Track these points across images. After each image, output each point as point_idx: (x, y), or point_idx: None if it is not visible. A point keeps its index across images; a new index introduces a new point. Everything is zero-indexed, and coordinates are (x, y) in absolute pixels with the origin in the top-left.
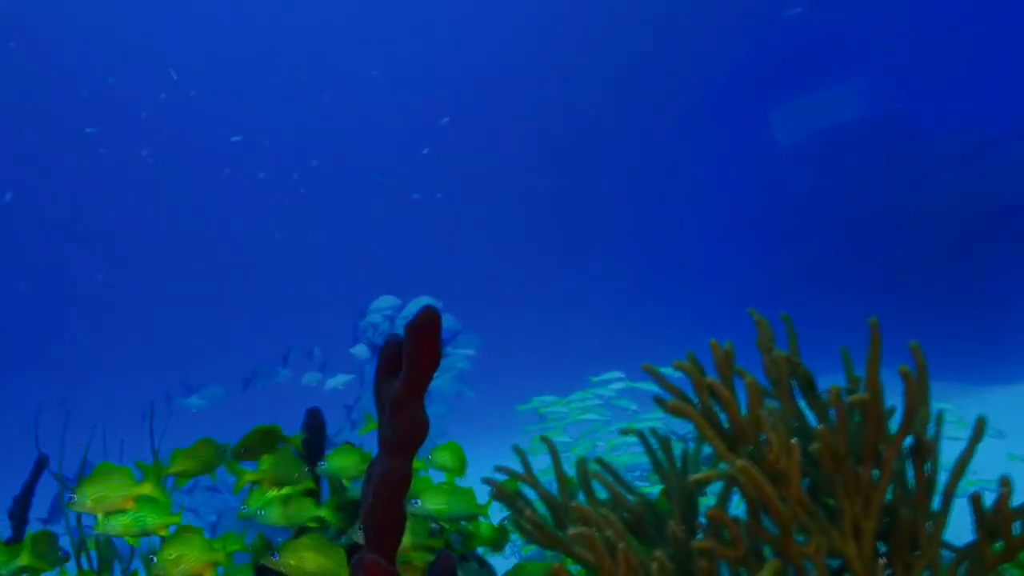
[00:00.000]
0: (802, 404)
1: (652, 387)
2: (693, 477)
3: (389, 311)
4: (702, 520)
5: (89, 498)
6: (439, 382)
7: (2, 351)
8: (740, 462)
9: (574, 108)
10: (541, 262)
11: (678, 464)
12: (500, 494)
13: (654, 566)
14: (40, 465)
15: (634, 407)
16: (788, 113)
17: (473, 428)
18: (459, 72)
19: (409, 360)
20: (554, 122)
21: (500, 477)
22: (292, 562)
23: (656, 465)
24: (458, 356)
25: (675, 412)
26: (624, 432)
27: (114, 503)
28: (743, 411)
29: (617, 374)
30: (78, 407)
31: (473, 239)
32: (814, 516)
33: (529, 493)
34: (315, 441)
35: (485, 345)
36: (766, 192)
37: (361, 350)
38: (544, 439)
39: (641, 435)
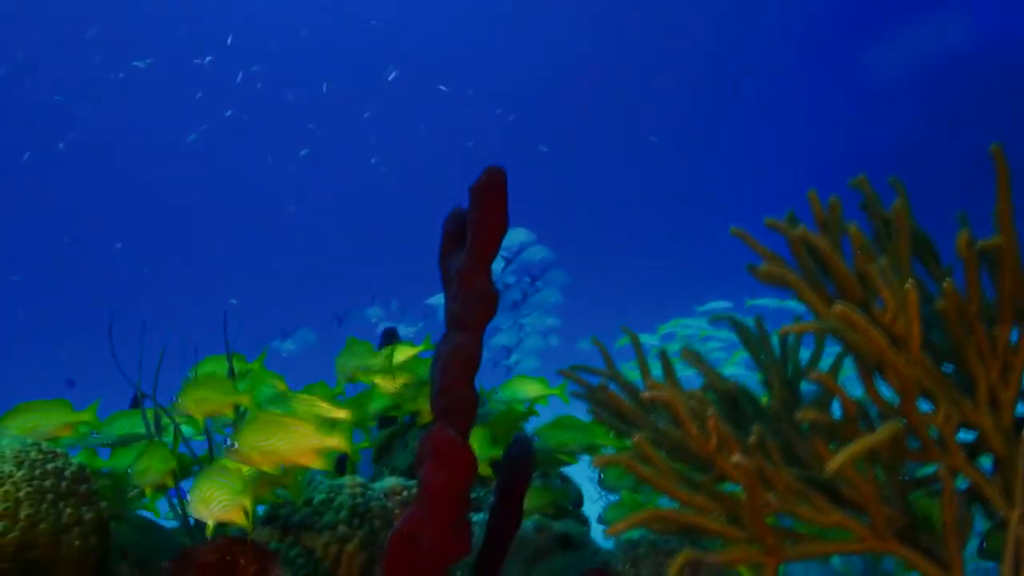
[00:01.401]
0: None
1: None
2: (787, 328)
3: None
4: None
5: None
6: (530, 320)
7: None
8: (840, 306)
9: (660, 49)
10: (615, 199)
11: (777, 353)
12: (571, 376)
13: (752, 440)
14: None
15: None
16: (886, 48)
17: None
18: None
19: (473, 227)
20: (638, 66)
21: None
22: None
23: (753, 354)
24: (550, 291)
25: (768, 276)
26: (714, 318)
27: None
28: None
29: (723, 304)
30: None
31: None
32: (941, 383)
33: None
34: None
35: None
36: (861, 133)
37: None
38: (625, 329)
39: (735, 321)
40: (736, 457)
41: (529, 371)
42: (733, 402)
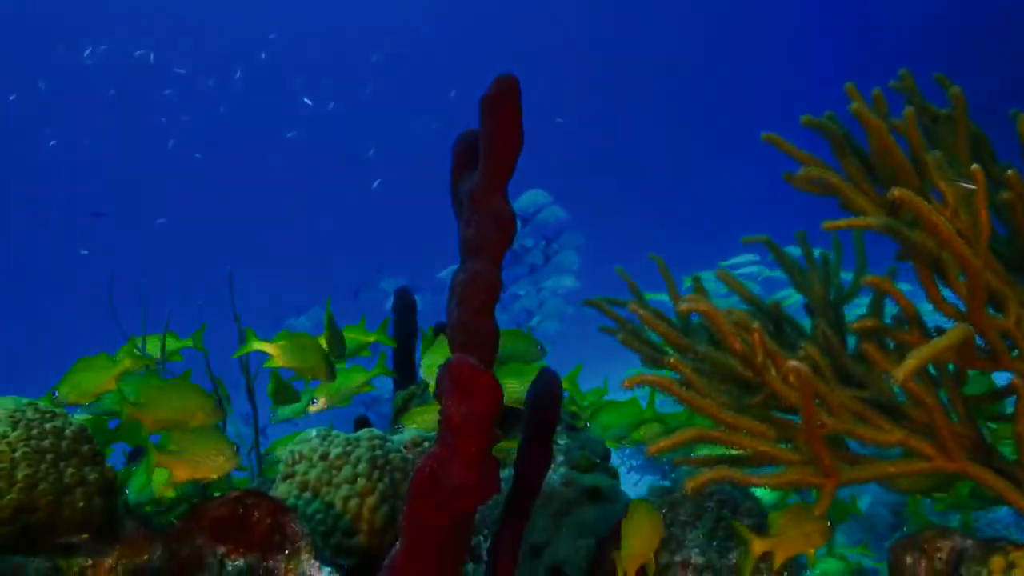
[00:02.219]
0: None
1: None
2: (834, 223)
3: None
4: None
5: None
6: (550, 282)
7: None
8: (900, 190)
9: None
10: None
11: (819, 273)
12: (598, 306)
13: (801, 355)
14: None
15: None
16: None
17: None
18: None
19: (486, 142)
20: None
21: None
22: None
23: (793, 277)
24: (567, 253)
25: (808, 181)
26: (747, 240)
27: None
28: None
29: (751, 257)
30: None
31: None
32: (1010, 284)
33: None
34: (404, 321)
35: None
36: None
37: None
38: (654, 257)
39: (772, 244)
40: (790, 363)
41: (550, 334)
42: (776, 324)
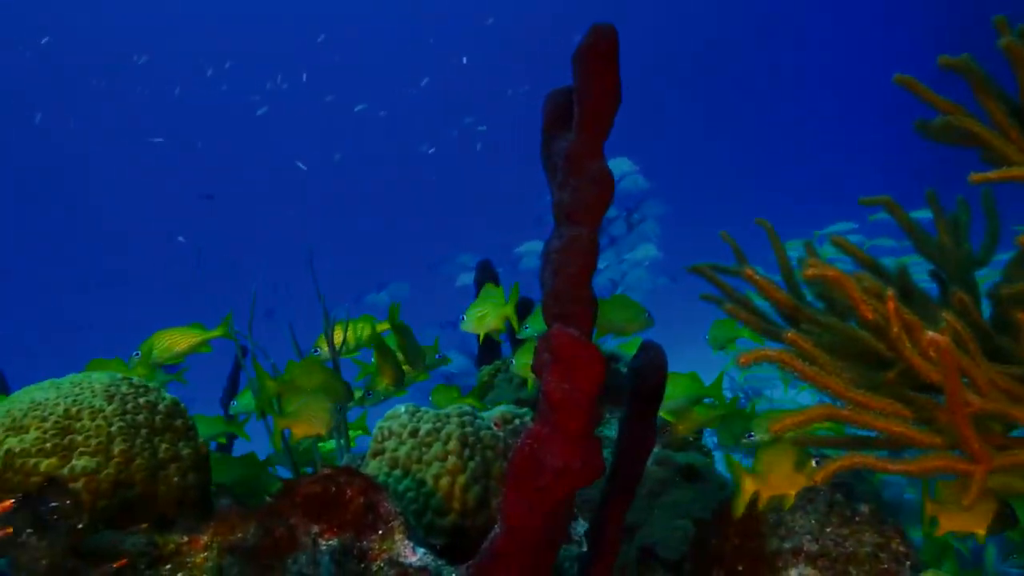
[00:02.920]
0: None
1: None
2: (980, 176)
3: None
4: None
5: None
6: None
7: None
8: None
9: None
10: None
11: (951, 236)
12: (702, 272)
13: (943, 327)
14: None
15: None
16: None
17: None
18: None
19: (580, 99)
20: None
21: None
22: None
23: (917, 241)
24: (649, 222)
25: (947, 130)
26: (866, 202)
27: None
28: None
29: (850, 225)
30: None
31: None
32: None
33: None
34: None
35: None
36: None
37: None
38: (761, 222)
39: (894, 204)
40: (929, 335)
41: None
42: (904, 293)
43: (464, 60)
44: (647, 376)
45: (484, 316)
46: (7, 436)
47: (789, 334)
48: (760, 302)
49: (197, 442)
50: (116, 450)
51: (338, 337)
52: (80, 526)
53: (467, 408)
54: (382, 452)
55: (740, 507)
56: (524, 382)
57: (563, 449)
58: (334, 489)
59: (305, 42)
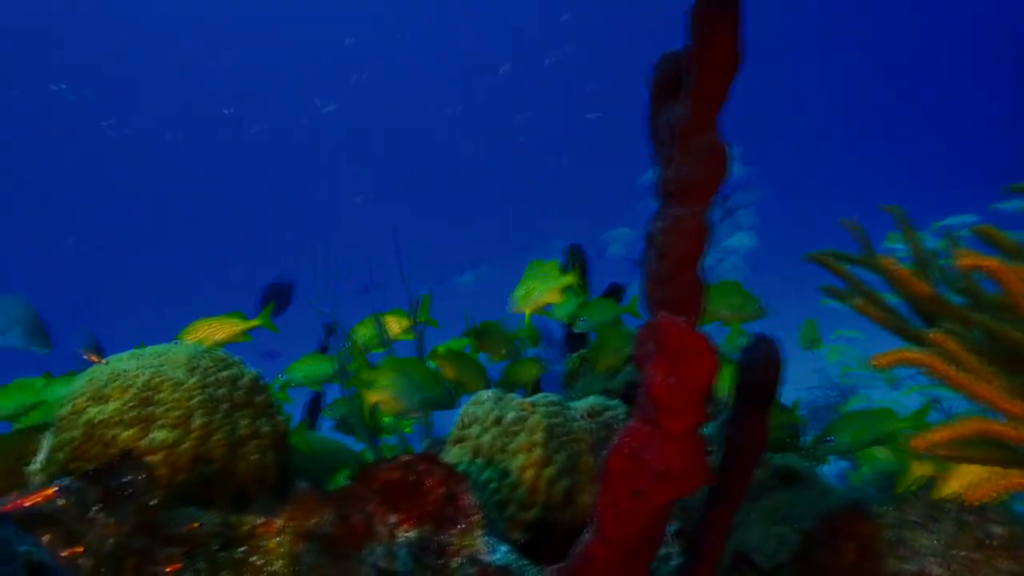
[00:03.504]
0: None
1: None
2: None
3: None
4: None
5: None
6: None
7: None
8: None
9: None
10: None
11: None
12: (823, 261)
13: None
14: (329, 331)
15: None
16: None
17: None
18: None
19: (695, 63)
20: None
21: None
22: None
23: None
24: (745, 210)
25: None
26: (1018, 188)
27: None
28: None
29: (969, 218)
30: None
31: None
32: None
33: None
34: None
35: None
36: None
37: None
38: (889, 208)
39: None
40: None
41: None
42: None
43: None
44: (760, 372)
45: (530, 292)
46: (88, 405)
47: (934, 334)
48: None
49: (277, 420)
50: (195, 424)
51: (368, 331)
52: (153, 503)
53: (555, 398)
54: (465, 439)
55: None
56: (614, 371)
57: (666, 451)
58: (414, 477)
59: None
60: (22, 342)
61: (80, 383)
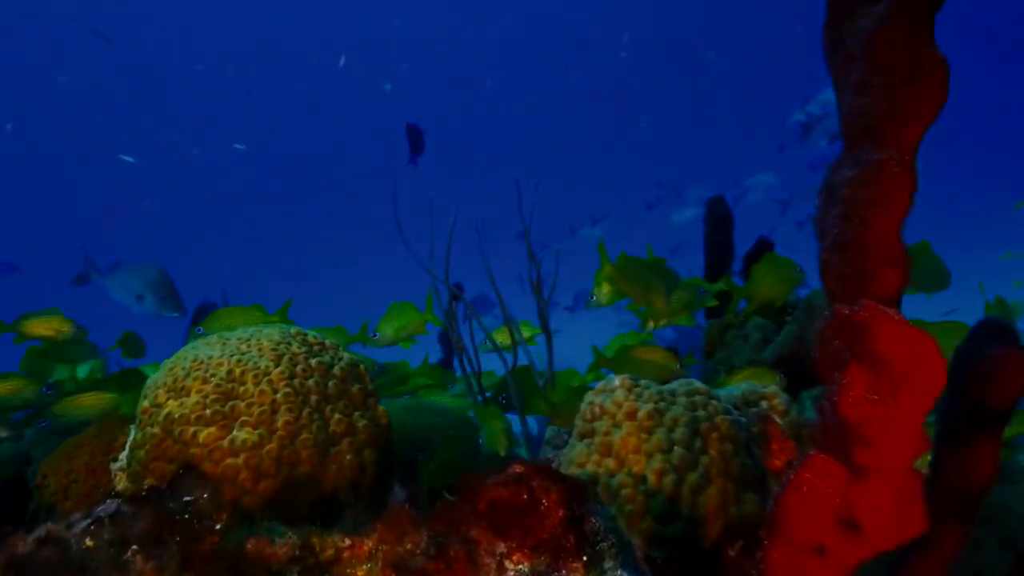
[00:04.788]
0: None
1: None
2: None
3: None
4: None
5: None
6: None
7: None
8: None
9: None
10: None
11: None
12: None
13: None
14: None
15: None
16: None
17: None
18: None
19: None
20: None
21: None
22: None
23: None
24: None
25: None
26: None
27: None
28: None
29: None
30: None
31: None
32: None
33: None
34: (718, 235)
35: None
36: None
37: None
38: None
39: None
40: None
41: None
42: None
43: None
44: (996, 381)
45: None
46: (169, 398)
47: None
48: None
49: (376, 412)
50: (280, 421)
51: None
52: (219, 527)
53: (698, 385)
54: (592, 434)
55: None
56: (763, 341)
57: (870, 497)
58: (526, 496)
59: None
60: (155, 308)
61: (162, 372)
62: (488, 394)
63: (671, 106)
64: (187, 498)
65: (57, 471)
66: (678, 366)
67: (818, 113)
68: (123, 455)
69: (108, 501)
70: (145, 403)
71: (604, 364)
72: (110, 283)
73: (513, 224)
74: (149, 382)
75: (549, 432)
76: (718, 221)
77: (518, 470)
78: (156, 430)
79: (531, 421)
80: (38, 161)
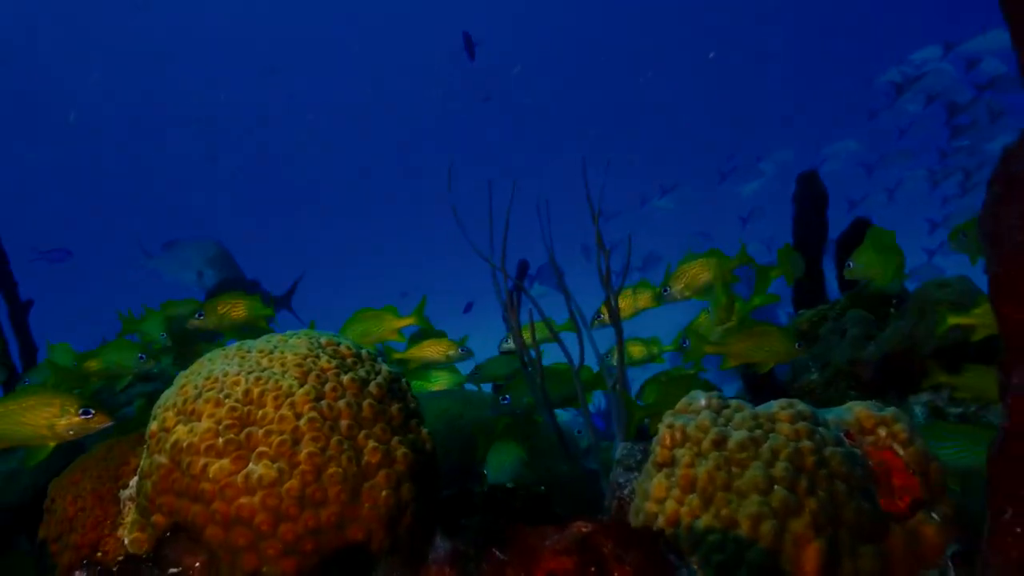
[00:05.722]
0: None
1: None
2: None
3: None
4: None
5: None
6: None
7: None
8: None
9: None
10: None
11: None
12: None
13: None
14: (523, 270)
15: None
16: None
17: None
18: None
19: None
20: None
21: None
22: None
23: None
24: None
25: None
26: None
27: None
28: None
29: None
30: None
31: None
32: None
33: None
34: (810, 215)
35: None
36: None
37: None
38: None
39: None
40: None
41: None
42: None
43: None
44: None
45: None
46: (178, 422)
47: None
48: None
49: (420, 435)
50: (303, 453)
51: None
52: None
53: (802, 407)
54: (671, 463)
55: None
56: (865, 336)
57: None
58: (594, 568)
59: None
60: (216, 281)
61: (174, 387)
62: (506, 399)
63: (745, 70)
64: (174, 570)
65: (66, 493)
66: (797, 348)
67: (912, 73)
68: (134, 481)
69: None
70: (154, 425)
71: (706, 351)
72: (165, 262)
73: (576, 189)
74: (161, 399)
75: (621, 450)
76: (811, 200)
77: (583, 530)
78: (164, 459)
79: (566, 416)
80: (99, 146)
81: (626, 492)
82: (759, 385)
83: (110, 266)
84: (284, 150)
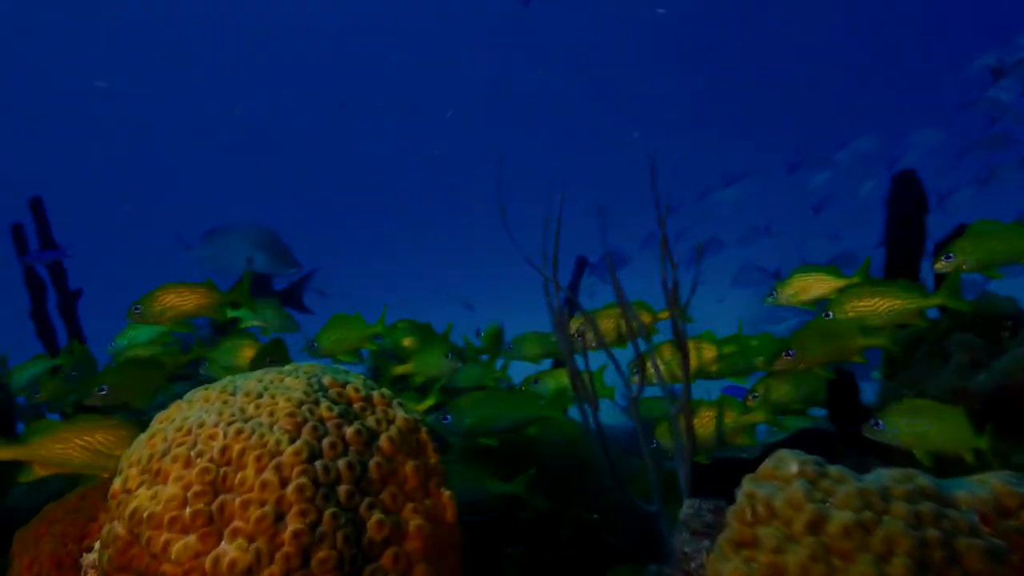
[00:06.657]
0: None
1: None
2: None
3: None
4: None
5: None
6: None
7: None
8: None
9: None
10: None
11: None
12: None
13: None
14: (581, 265)
15: None
16: None
17: None
18: None
19: None
20: None
21: None
22: None
23: None
24: None
25: None
26: None
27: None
28: None
29: None
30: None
31: None
32: None
33: None
34: (903, 219)
35: None
36: None
37: None
38: None
39: None
40: None
41: None
42: None
43: None
44: None
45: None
46: (141, 483)
47: None
48: None
49: (439, 501)
50: (287, 532)
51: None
52: None
53: (925, 481)
54: (753, 545)
55: None
56: (972, 364)
57: None
58: None
59: None
60: (269, 266)
61: (143, 437)
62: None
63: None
64: None
65: (24, 554)
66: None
67: (1011, 60)
68: (98, 545)
69: None
70: (117, 483)
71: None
72: (207, 252)
73: (642, 177)
74: (131, 448)
75: (686, 510)
76: (910, 204)
77: None
78: (122, 530)
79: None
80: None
81: (694, 566)
82: (843, 408)
83: (152, 259)
84: (340, 145)
